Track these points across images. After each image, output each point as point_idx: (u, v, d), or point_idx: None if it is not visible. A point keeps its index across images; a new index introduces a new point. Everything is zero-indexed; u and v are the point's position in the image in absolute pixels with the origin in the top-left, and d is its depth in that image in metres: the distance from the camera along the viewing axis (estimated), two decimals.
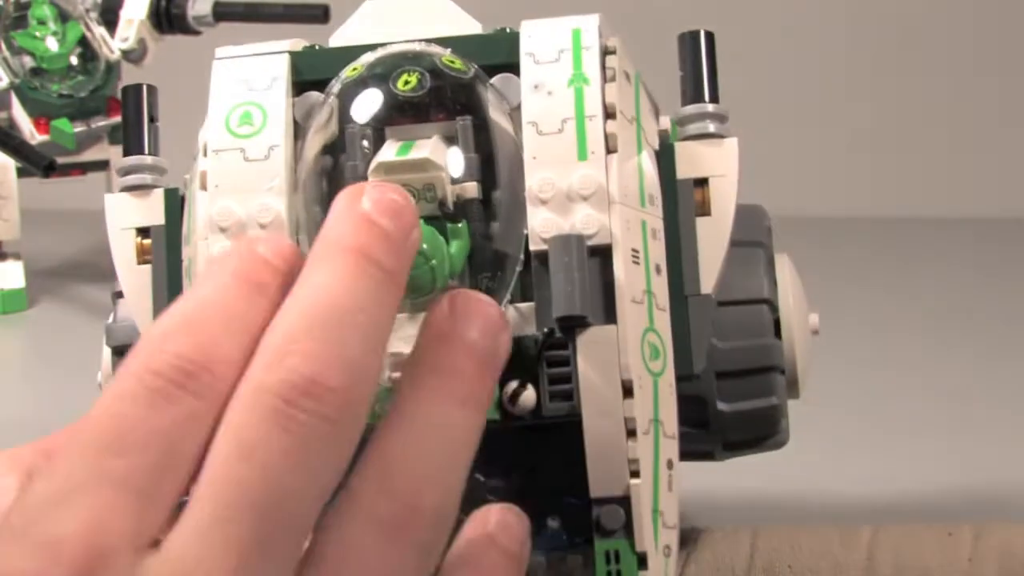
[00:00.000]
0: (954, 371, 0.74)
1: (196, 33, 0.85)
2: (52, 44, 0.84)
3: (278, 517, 0.28)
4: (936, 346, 0.78)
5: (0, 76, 0.83)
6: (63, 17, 0.84)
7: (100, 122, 0.86)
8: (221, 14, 0.84)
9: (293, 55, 0.41)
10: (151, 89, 0.44)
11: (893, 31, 1.21)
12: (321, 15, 0.82)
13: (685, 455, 0.39)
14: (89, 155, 0.87)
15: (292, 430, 0.28)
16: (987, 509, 0.54)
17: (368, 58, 0.40)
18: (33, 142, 0.81)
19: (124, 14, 0.85)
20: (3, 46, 0.83)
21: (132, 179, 0.43)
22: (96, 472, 0.28)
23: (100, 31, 0.84)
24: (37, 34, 0.84)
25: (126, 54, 0.85)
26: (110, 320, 0.43)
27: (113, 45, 0.85)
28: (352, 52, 0.41)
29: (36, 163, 0.74)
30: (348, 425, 0.29)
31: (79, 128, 0.85)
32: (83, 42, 0.85)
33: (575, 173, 0.38)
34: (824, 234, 1.06)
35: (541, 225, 0.38)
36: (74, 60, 0.85)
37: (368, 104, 0.40)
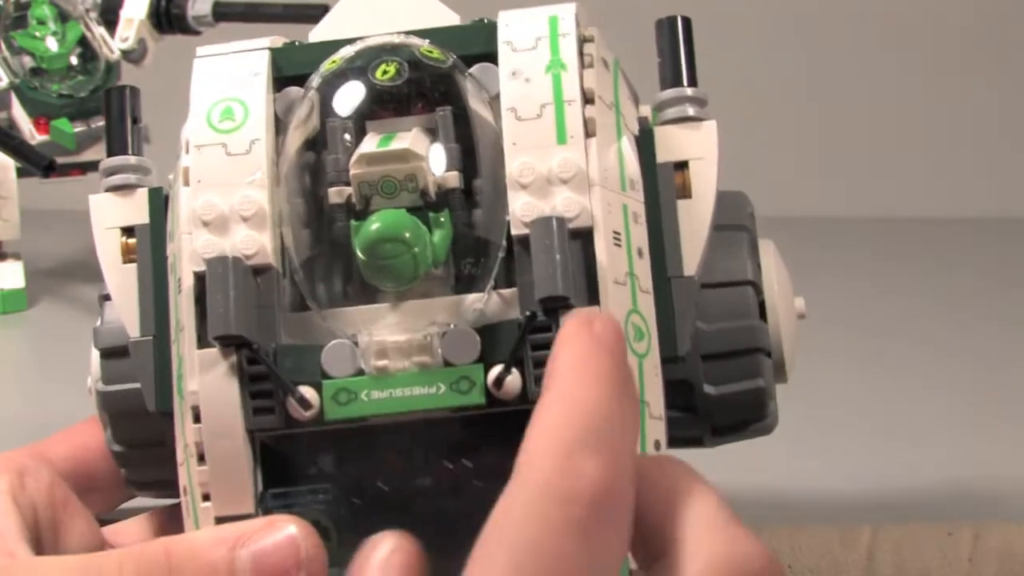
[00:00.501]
0: (954, 371, 0.74)
1: (196, 33, 0.85)
2: (52, 44, 0.84)
3: None
4: (936, 346, 0.78)
5: (0, 76, 0.83)
6: (63, 17, 0.84)
7: (100, 122, 0.86)
8: (221, 14, 0.84)
9: (273, 51, 0.41)
10: (134, 91, 0.44)
11: (894, 31, 1.21)
12: (321, 15, 0.81)
13: (674, 442, 0.40)
14: (89, 155, 0.87)
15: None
16: (987, 509, 0.54)
17: (347, 51, 0.41)
18: (33, 142, 0.81)
19: (124, 14, 0.85)
20: (3, 46, 0.83)
21: (116, 179, 0.43)
22: None
23: (100, 31, 0.84)
24: (37, 34, 0.84)
25: (126, 54, 0.85)
26: (98, 323, 0.43)
27: (113, 45, 0.84)
28: (331, 47, 0.41)
29: (36, 163, 0.74)
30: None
31: (79, 128, 0.85)
32: (83, 42, 0.85)
33: (554, 157, 0.38)
34: (824, 234, 1.06)
35: (522, 209, 0.38)
36: (74, 60, 0.85)
37: (348, 96, 0.40)
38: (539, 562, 0.30)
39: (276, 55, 0.41)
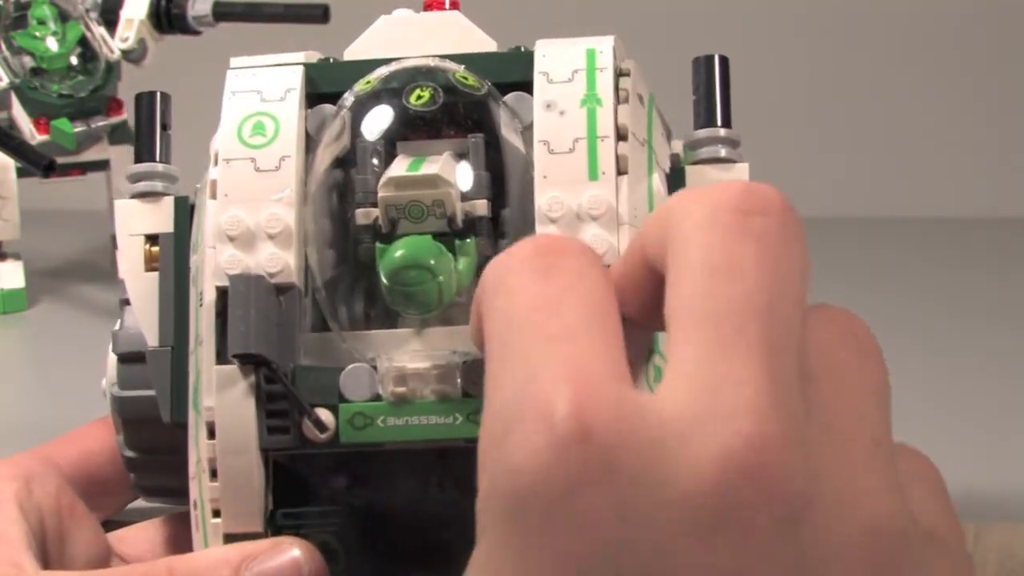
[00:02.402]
0: (954, 371, 0.74)
1: (196, 33, 0.85)
2: (52, 44, 0.84)
3: (776, 320, 0.28)
4: (936, 346, 0.78)
5: (0, 76, 0.83)
6: (63, 17, 0.84)
7: (100, 122, 0.86)
8: (221, 14, 0.84)
9: (307, 67, 0.41)
10: (164, 97, 0.43)
11: (894, 30, 1.21)
12: (321, 15, 0.81)
13: None
14: (89, 155, 0.87)
15: (754, 237, 0.29)
16: (987, 509, 0.54)
17: (382, 72, 0.40)
18: (33, 142, 0.81)
19: (124, 14, 0.85)
20: (3, 46, 0.83)
21: (142, 186, 0.43)
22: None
23: (100, 31, 0.84)
24: (37, 34, 0.83)
25: (126, 54, 0.85)
26: (116, 327, 0.43)
27: (113, 45, 0.84)
28: (366, 66, 0.41)
29: (36, 163, 0.74)
30: (796, 225, 0.29)
31: (79, 128, 0.85)
32: (83, 42, 0.85)
33: (585, 193, 0.38)
34: (824, 234, 1.05)
35: None
36: (74, 60, 0.85)
37: (380, 118, 0.40)
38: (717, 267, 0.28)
39: (310, 71, 0.41)
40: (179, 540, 0.44)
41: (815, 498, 0.27)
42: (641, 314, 0.31)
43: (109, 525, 0.45)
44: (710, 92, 0.42)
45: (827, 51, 1.21)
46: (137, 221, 0.43)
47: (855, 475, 0.29)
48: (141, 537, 0.45)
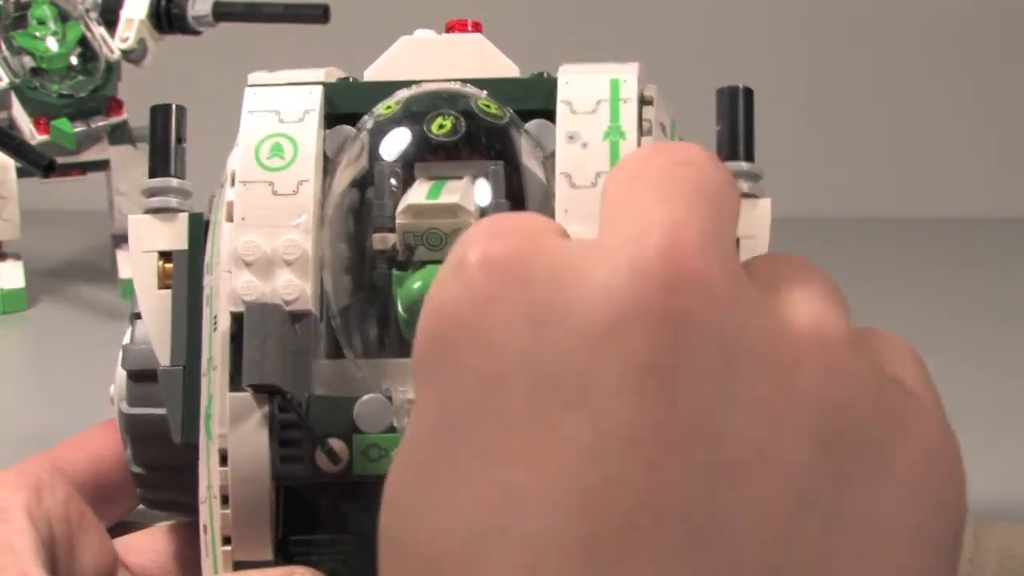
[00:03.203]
0: (954, 371, 0.74)
1: (196, 33, 0.85)
2: (52, 44, 0.84)
3: (710, 184, 0.29)
4: (936, 346, 0.78)
5: (0, 76, 0.82)
6: (63, 17, 0.84)
7: (100, 122, 0.86)
8: (221, 14, 0.84)
9: (327, 87, 0.40)
10: (180, 110, 0.43)
11: (894, 31, 1.21)
12: (321, 15, 0.81)
13: None
14: (89, 155, 0.87)
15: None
16: (987, 509, 0.54)
17: (403, 95, 0.40)
18: (33, 142, 0.81)
19: (124, 14, 0.85)
20: (3, 46, 0.83)
21: (156, 201, 0.42)
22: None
23: (100, 31, 0.84)
24: (37, 34, 0.83)
25: (126, 54, 0.85)
26: (126, 340, 0.42)
27: (113, 45, 0.84)
28: (387, 88, 0.40)
29: (36, 163, 0.74)
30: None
31: (79, 128, 0.85)
32: (83, 42, 0.85)
33: None
34: (824, 234, 1.05)
35: None
36: (74, 60, 0.85)
37: (401, 144, 0.39)
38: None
39: (330, 91, 0.40)
40: (185, 551, 0.43)
41: (742, 300, 0.27)
42: None
43: (114, 528, 0.45)
44: (733, 125, 0.41)
45: (827, 51, 1.21)
46: (151, 237, 0.42)
47: (790, 289, 0.29)
48: (147, 546, 0.45)
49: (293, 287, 0.38)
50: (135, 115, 0.86)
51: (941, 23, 1.21)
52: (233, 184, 0.39)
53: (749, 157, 0.41)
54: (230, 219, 0.39)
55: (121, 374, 0.42)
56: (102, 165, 0.87)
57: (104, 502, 0.44)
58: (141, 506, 0.46)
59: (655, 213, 0.27)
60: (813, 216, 1.07)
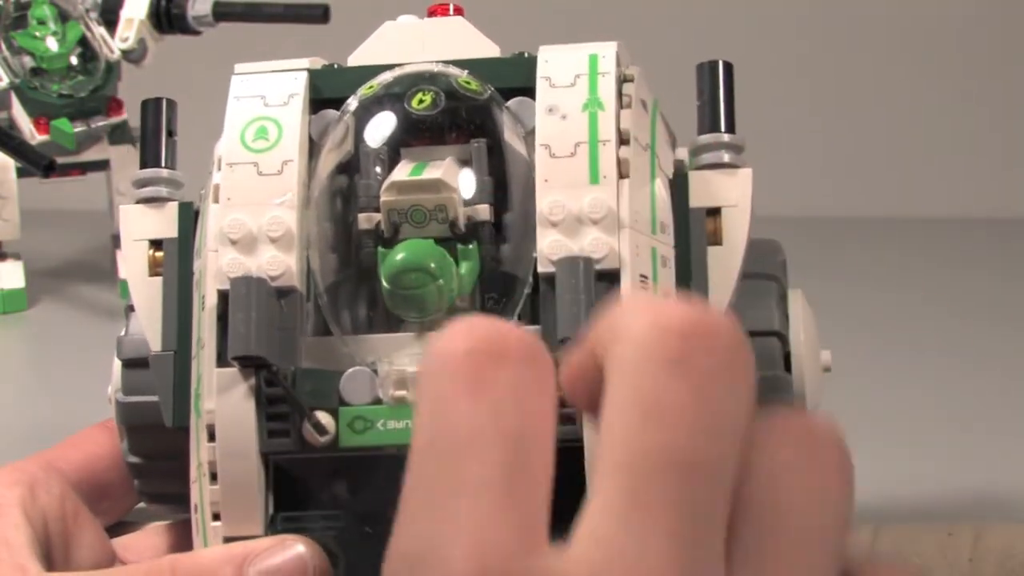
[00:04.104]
0: (954, 371, 0.74)
1: (196, 33, 0.85)
2: (52, 44, 0.84)
3: (699, 474, 0.26)
4: (936, 346, 0.78)
5: (0, 76, 0.82)
6: (63, 17, 0.84)
7: (100, 122, 0.86)
8: (221, 14, 0.84)
9: (312, 73, 0.41)
10: (171, 103, 0.44)
11: (895, 31, 1.21)
12: (321, 15, 0.81)
13: None
14: (89, 155, 0.87)
15: (692, 379, 0.26)
16: (987, 509, 0.54)
17: (385, 77, 0.41)
18: (33, 142, 0.81)
19: (124, 14, 0.85)
20: (3, 46, 0.83)
21: (147, 191, 0.43)
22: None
23: (100, 31, 0.84)
24: (37, 34, 0.83)
25: (126, 54, 0.85)
26: (122, 333, 0.43)
27: (113, 45, 0.84)
28: (370, 71, 0.41)
29: (36, 163, 0.74)
30: (743, 363, 0.27)
31: (79, 128, 0.85)
32: (83, 42, 0.85)
33: (586, 196, 0.38)
34: (824, 234, 1.05)
35: (549, 247, 0.37)
36: (74, 60, 0.85)
37: (383, 123, 0.40)
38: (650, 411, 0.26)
39: (314, 77, 0.41)
40: (183, 547, 0.44)
41: None
42: (592, 410, 0.28)
43: (113, 528, 0.45)
44: (714, 98, 0.41)
45: (828, 52, 1.21)
46: (141, 226, 0.43)
47: None
48: (144, 544, 0.45)
49: (278, 263, 0.39)
50: (135, 115, 0.86)
51: (942, 24, 1.21)
52: (220, 168, 0.40)
53: (730, 129, 0.41)
54: (217, 200, 0.39)
55: (117, 365, 0.43)
56: (102, 165, 0.88)
57: (100, 501, 0.44)
58: (139, 506, 0.46)
59: (639, 559, 0.25)
60: (813, 216, 1.07)
